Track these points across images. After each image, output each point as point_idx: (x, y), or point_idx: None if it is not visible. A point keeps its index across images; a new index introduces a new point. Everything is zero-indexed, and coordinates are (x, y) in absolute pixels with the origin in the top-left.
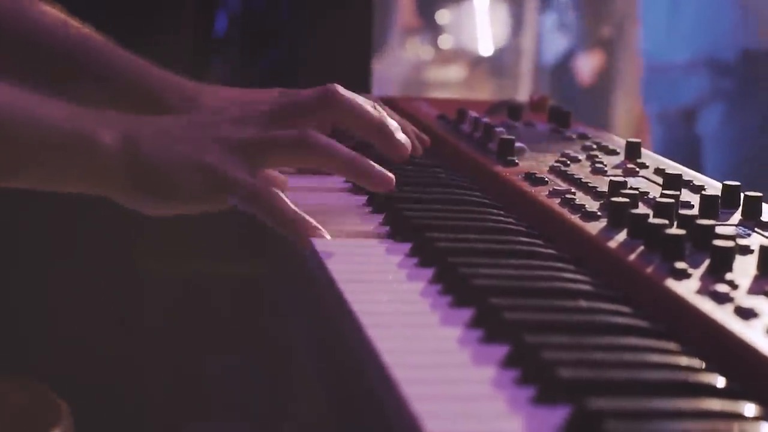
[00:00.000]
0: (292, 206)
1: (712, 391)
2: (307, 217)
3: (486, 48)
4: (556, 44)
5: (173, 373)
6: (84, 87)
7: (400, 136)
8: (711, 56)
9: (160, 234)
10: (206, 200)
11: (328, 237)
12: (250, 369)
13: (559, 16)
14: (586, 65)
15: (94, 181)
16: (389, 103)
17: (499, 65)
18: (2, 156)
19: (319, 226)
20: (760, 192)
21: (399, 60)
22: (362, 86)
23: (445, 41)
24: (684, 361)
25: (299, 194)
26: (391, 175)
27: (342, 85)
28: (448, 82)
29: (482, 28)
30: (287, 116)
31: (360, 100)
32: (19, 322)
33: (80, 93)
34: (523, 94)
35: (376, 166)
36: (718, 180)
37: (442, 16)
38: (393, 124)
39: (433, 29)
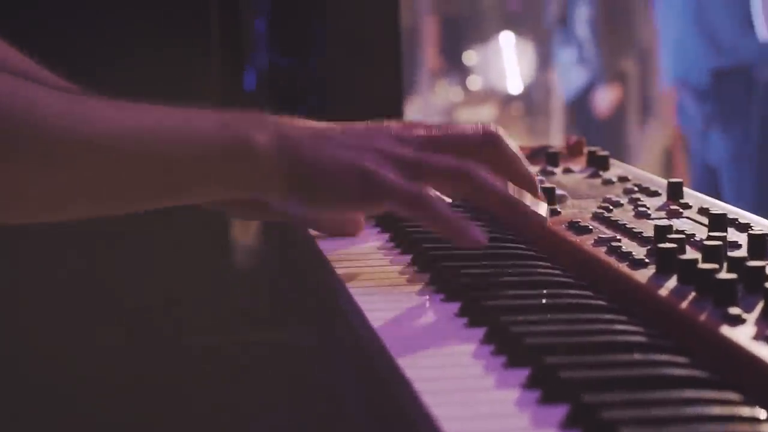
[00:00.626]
0: (450, 210)
1: None
2: (464, 221)
3: (515, 86)
4: (575, 78)
5: None
6: None
7: (542, 196)
8: (690, 81)
9: (203, 307)
10: (360, 204)
11: (484, 240)
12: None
13: (578, 50)
14: (605, 99)
15: (252, 185)
16: None
17: (529, 103)
18: (159, 179)
19: (480, 234)
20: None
21: (429, 103)
22: None
23: (474, 82)
24: (746, 411)
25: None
26: (544, 215)
27: None
28: (480, 122)
29: (510, 66)
30: (446, 147)
31: (518, 150)
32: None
33: None
34: (555, 130)
35: (530, 206)
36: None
37: (469, 57)
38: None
39: (460, 71)
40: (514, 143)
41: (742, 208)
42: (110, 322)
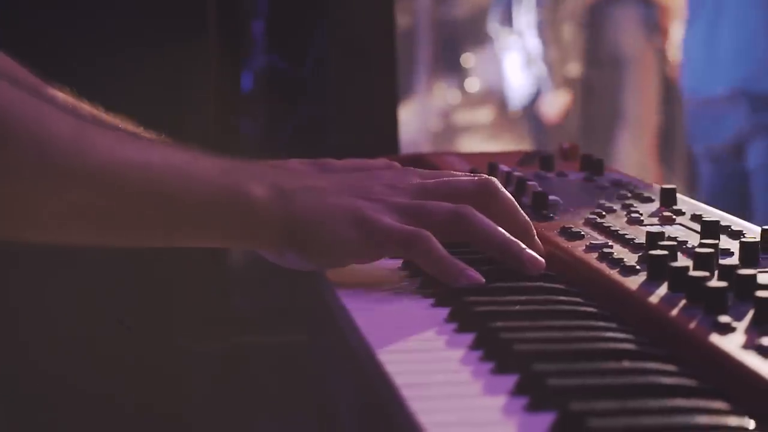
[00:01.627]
0: (445, 252)
1: None
2: (460, 264)
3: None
4: (524, 85)
5: None
6: None
7: (538, 242)
8: (750, 87)
9: (197, 309)
10: (361, 253)
11: (482, 279)
12: None
13: (524, 56)
14: (552, 105)
15: (247, 236)
16: (419, 159)
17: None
18: (159, 217)
19: (476, 276)
20: None
21: (426, 106)
22: (390, 137)
23: (472, 84)
24: (734, 421)
25: None
26: (542, 261)
27: (371, 138)
28: (478, 125)
29: (508, 69)
30: (441, 196)
31: (511, 198)
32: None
33: None
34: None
35: (527, 250)
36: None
37: (467, 59)
38: (533, 229)
39: (458, 73)
40: (508, 194)
41: None
42: (102, 325)
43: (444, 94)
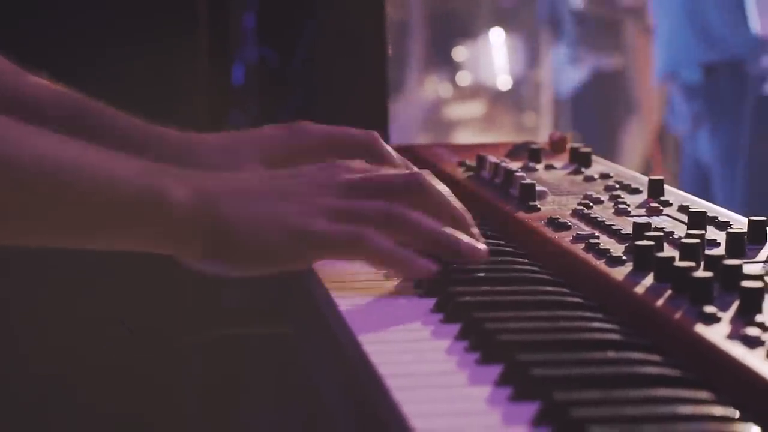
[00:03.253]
0: (391, 244)
1: None
2: (408, 254)
3: (504, 83)
4: (570, 77)
5: None
6: None
7: (476, 230)
8: (681, 76)
9: (185, 301)
10: (290, 259)
11: (434, 268)
12: (281, 426)
13: (569, 49)
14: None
15: (166, 241)
16: (409, 151)
17: (518, 99)
18: (73, 216)
19: (428, 263)
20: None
21: (418, 99)
22: (379, 130)
23: (463, 78)
24: (718, 411)
25: None
26: (483, 246)
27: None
28: (469, 118)
29: (499, 62)
30: (369, 193)
31: (444, 190)
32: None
33: None
34: (544, 127)
35: (465, 239)
36: (725, 204)
37: (459, 52)
38: (469, 218)
39: (450, 66)
40: (438, 183)
41: (732, 207)
42: (92, 318)
43: (436, 87)
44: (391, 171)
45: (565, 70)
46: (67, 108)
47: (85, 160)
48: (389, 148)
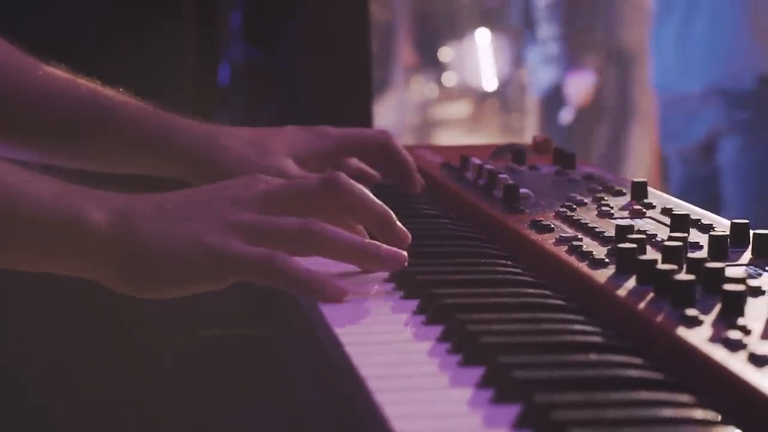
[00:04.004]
0: (303, 268)
1: None
2: (320, 278)
3: (490, 83)
4: (545, 76)
5: None
6: (99, 143)
7: (399, 224)
8: (725, 85)
9: (160, 304)
10: (206, 281)
11: (348, 297)
12: (261, 427)
13: (542, 48)
14: (578, 87)
15: (82, 263)
16: None
17: (504, 100)
18: None
19: (339, 287)
20: None
21: (404, 100)
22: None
23: (449, 78)
24: (699, 414)
25: None
26: (403, 252)
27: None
28: (455, 119)
29: (485, 63)
30: (289, 201)
31: (364, 189)
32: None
33: (96, 150)
34: (530, 128)
35: (384, 247)
36: (739, 214)
37: (445, 53)
38: (392, 214)
39: (436, 67)
40: (356, 184)
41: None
42: (72, 321)
43: (421, 88)
44: (311, 176)
45: (540, 70)
46: (74, 98)
47: (3, 180)
48: (401, 147)
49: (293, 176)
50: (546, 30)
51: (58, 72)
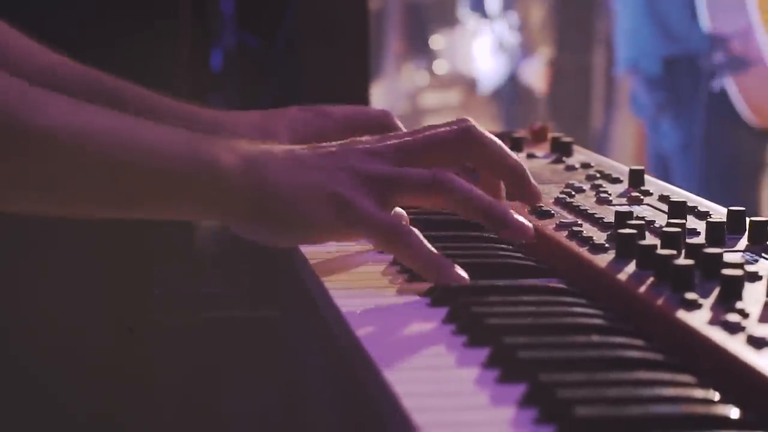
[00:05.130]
0: (428, 246)
1: (728, 424)
2: (442, 259)
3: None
4: (496, 66)
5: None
6: None
7: (534, 182)
8: (641, 67)
9: (169, 284)
10: (334, 233)
11: (466, 277)
12: (265, 409)
13: (496, 38)
14: (537, 76)
15: (215, 208)
16: None
17: (495, 88)
18: (124, 186)
19: (458, 269)
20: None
21: (395, 87)
22: None
23: (440, 66)
24: (699, 393)
25: None
26: (529, 224)
27: None
28: (446, 107)
29: (477, 51)
30: (421, 152)
31: (497, 140)
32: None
33: None
34: (521, 116)
35: (513, 214)
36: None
37: (436, 41)
38: (525, 169)
39: (427, 55)
40: (489, 133)
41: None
42: (77, 301)
43: (412, 76)
44: (443, 127)
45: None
46: (91, 84)
47: (135, 132)
48: (401, 125)
49: None
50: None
51: (69, 61)
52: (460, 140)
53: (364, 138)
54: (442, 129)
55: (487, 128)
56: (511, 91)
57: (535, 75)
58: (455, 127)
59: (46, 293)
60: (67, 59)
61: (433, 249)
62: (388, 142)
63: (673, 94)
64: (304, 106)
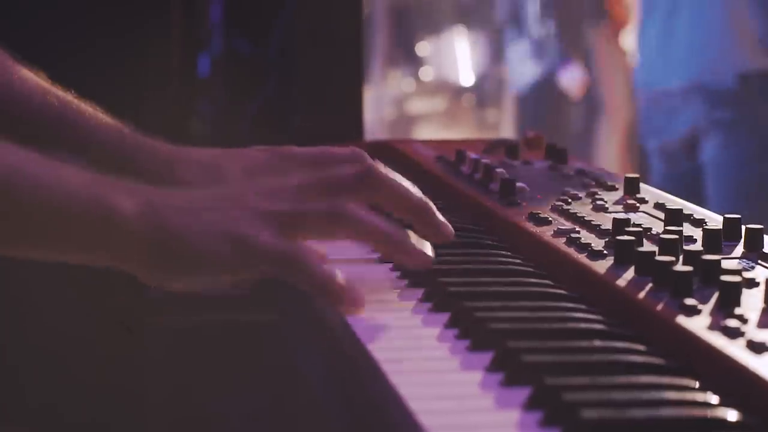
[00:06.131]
0: (327, 270)
1: (728, 426)
2: (342, 282)
3: (467, 78)
4: (530, 72)
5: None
6: (59, 156)
7: (441, 217)
8: (706, 83)
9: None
10: (235, 272)
11: (363, 309)
12: (265, 414)
13: (533, 43)
14: (573, 78)
15: (112, 253)
16: (382, 146)
17: (481, 95)
18: (12, 224)
19: (358, 297)
20: (760, 220)
21: (381, 93)
22: (354, 123)
23: (426, 73)
24: (701, 397)
25: None
26: (430, 253)
27: (334, 123)
28: (431, 113)
29: (462, 58)
30: (322, 193)
31: (399, 178)
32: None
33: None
34: (506, 123)
35: (414, 240)
36: (720, 210)
37: (422, 48)
38: (432, 207)
39: (413, 61)
40: (392, 172)
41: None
42: (72, 303)
43: (398, 82)
44: (344, 167)
45: (525, 66)
46: (52, 110)
47: (33, 170)
48: (372, 161)
49: None
50: (537, 26)
51: (33, 78)
52: (361, 182)
53: (267, 179)
54: (345, 170)
55: (471, 135)
56: (547, 97)
57: (572, 81)
58: (358, 166)
59: (42, 296)
60: (28, 73)
61: (332, 273)
62: (289, 183)
63: (745, 109)
64: (267, 147)
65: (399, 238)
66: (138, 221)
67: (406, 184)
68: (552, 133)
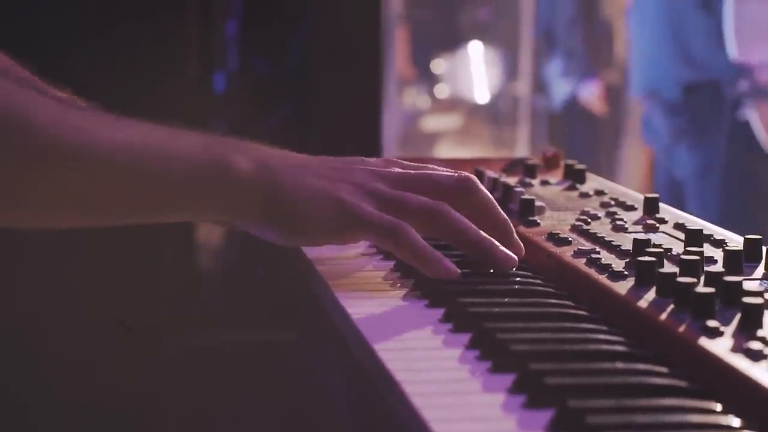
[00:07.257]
0: (423, 242)
1: None
2: (436, 254)
3: (482, 96)
4: (562, 90)
5: None
6: None
7: (517, 239)
8: (661, 92)
9: (184, 306)
10: (336, 235)
11: (457, 271)
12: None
13: (563, 62)
14: (593, 93)
15: (230, 209)
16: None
17: (495, 113)
18: (141, 195)
19: (453, 268)
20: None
21: (396, 110)
22: (372, 139)
23: (441, 90)
24: (723, 420)
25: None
26: (516, 258)
27: (351, 142)
28: (446, 131)
29: (478, 76)
30: (421, 186)
31: (490, 196)
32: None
33: None
34: (521, 141)
35: (500, 248)
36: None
37: (438, 65)
38: (512, 227)
39: (428, 79)
40: (486, 191)
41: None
42: (86, 322)
43: (414, 99)
44: (443, 171)
45: (557, 83)
46: None
47: (152, 141)
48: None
49: None
50: (567, 44)
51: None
52: (459, 187)
53: (372, 160)
54: (445, 174)
55: (486, 152)
56: (573, 114)
57: (591, 96)
58: (457, 175)
59: (51, 312)
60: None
61: (430, 247)
62: (393, 169)
63: (693, 120)
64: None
65: (489, 246)
66: (253, 179)
67: (496, 203)
68: (580, 151)
